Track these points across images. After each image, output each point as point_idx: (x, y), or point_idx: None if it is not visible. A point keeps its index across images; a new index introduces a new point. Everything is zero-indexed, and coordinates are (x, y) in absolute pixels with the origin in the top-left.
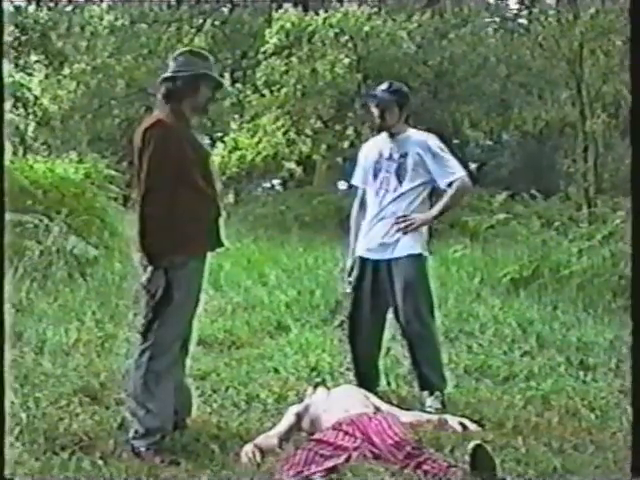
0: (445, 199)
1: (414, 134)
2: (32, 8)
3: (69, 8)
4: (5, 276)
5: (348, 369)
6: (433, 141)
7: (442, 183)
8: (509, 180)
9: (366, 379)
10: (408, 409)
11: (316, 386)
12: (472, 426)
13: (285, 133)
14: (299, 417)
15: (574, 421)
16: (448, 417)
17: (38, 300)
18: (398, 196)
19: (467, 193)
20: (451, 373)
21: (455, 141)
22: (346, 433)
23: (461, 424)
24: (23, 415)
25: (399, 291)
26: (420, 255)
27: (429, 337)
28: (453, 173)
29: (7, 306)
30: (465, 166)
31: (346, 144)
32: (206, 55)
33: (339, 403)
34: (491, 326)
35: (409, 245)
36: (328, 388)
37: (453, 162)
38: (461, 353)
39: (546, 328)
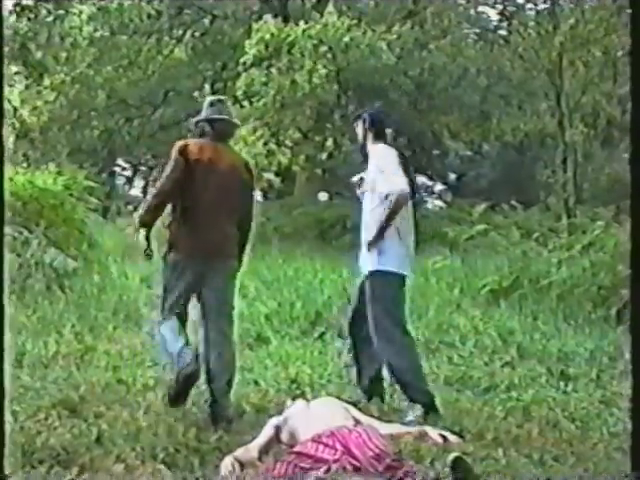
0: (385, 214)
1: (372, 149)
2: (12, 19)
3: (49, 19)
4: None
5: (329, 381)
6: (381, 156)
7: (386, 197)
8: (489, 191)
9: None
10: (389, 421)
11: (295, 398)
12: (452, 437)
13: (265, 144)
14: (278, 429)
15: (555, 432)
16: (428, 429)
17: (16, 312)
18: (370, 209)
19: (402, 206)
20: (432, 384)
21: (435, 152)
22: (326, 445)
23: (441, 435)
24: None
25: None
26: (377, 272)
27: (397, 351)
28: (391, 187)
29: None
30: (444, 177)
31: (325, 155)
32: (227, 101)
33: (319, 415)
34: (471, 337)
35: (368, 262)
36: (308, 400)
37: (394, 177)
38: (442, 364)
39: (527, 338)
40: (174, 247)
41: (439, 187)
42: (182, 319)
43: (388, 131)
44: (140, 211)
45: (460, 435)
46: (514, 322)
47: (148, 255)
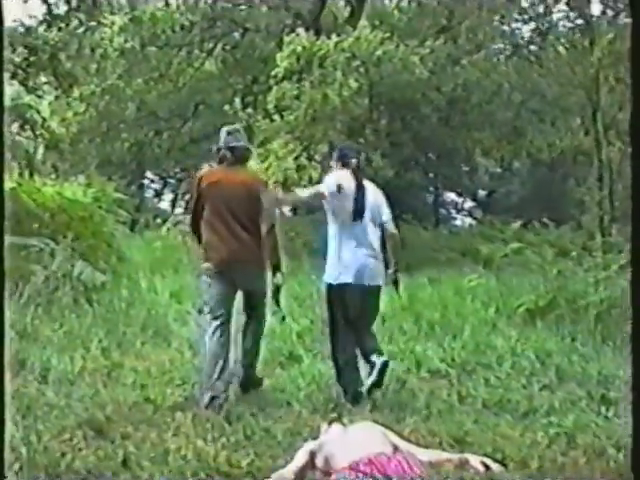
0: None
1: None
2: (42, 29)
3: (80, 30)
4: (5, 301)
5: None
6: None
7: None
8: (519, 208)
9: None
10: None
11: (331, 422)
12: (494, 466)
13: (296, 158)
14: (314, 455)
15: (601, 461)
16: (469, 456)
17: (43, 326)
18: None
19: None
20: (469, 407)
21: (465, 168)
22: (364, 474)
23: (483, 464)
24: (24, 449)
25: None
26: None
27: None
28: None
29: (10, 332)
30: (474, 193)
31: None
32: (242, 130)
33: (356, 441)
34: (509, 358)
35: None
36: (344, 424)
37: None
38: (479, 386)
39: (565, 360)
40: (207, 259)
41: (469, 204)
42: (226, 320)
43: (353, 161)
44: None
45: (503, 463)
46: (552, 343)
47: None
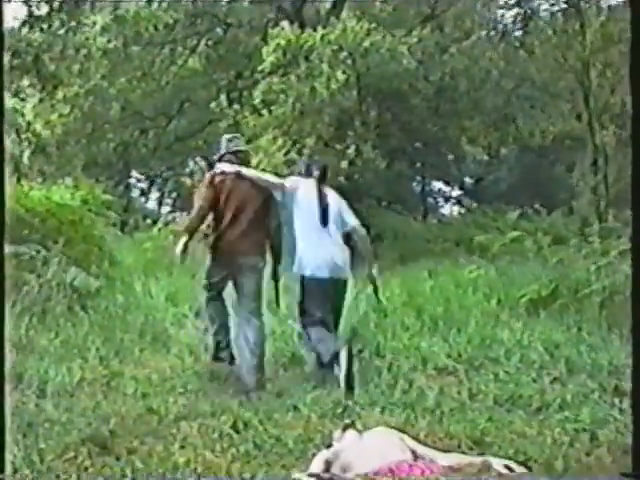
0: None
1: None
2: (25, 31)
3: (62, 30)
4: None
5: (373, 403)
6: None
7: None
8: (508, 195)
9: None
10: (447, 451)
11: (345, 428)
12: (519, 469)
13: (285, 154)
14: (329, 464)
15: (627, 458)
16: (491, 459)
17: (38, 337)
18: None
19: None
20: (481, 404)
21: (451, 156)
22: None
23: (506, 466)
24: (27, 471)
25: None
26: None
27: None
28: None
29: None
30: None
31: (346, 163)
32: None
33: (374, 448)
34: (517, 351)
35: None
36: (359, 430)
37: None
38: (489, 382)
39: (574, 352)
40: (213, 249)
41: (457, 192)
42: (220, 300)
43: (316, 173)
44: (186, 222)
45: (526, 465)
46: (558, 334)
47: (181, 259)
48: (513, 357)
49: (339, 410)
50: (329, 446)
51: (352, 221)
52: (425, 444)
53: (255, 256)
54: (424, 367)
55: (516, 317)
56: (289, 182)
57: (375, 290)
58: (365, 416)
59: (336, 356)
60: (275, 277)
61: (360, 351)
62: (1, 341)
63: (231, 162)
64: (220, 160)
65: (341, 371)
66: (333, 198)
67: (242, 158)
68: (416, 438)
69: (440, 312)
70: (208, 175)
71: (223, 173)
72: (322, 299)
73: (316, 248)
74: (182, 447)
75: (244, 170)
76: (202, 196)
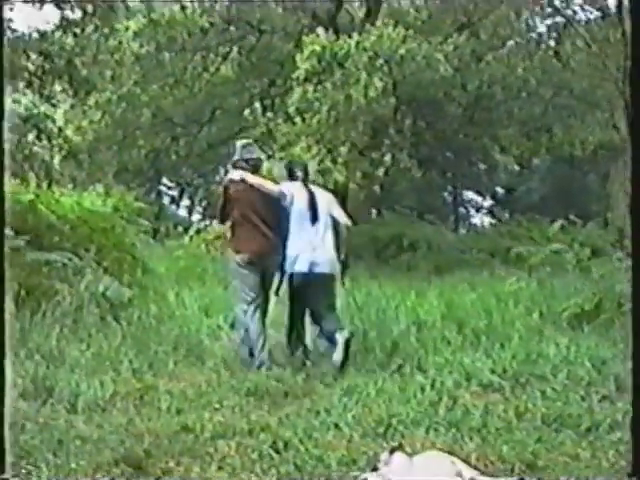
0: None
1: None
2: (58, 35)
3: (95, 35)
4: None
5: (417, 423)
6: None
7: None
8: (540, 206)
9: None
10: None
11: (393, 451)
12: None
13: (320, 162)
14: None
15: None
16: None
17: (69, 348)
18: None
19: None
20: (528, 424)
21: (483, 166)
22: None
23: None
24: None
25: None
26: None
27: None
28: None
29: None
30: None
31: (382, 171)
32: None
33: (425, 473)
34: (563, 368)
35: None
36: (409, 454)
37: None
38: (536, 400)
39: (621, 368)
40: (239, 251)
41: (488, 202)
42: (260, 302)
43: (299, 174)
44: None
45: None
46: (605, 350)
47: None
48: (560, 374)
49: (381, 429)
50: (374, 469)
51: (336, 211)
52: (476, 469)
53: (277, 255)
54: (468, 383)
55: (560, 332)
56: (284, 188)
57: (341, 277)
58: (409, 435)
59: (332, 340)
60: (282, 270)
61: (400, 366)
62: (1, 341)
63: (243, 169)
64: (234, 166)
65: (336, 354)
66: (321, 196)
67: (253, 165)
68: (466, 461)
69: (482, 326)
70: (222, 184)
71: (232, 181)
72: (311, 295)
73: (305, 246)
74: (220, 468)
75: (249, 177)
76: (219, 207)
